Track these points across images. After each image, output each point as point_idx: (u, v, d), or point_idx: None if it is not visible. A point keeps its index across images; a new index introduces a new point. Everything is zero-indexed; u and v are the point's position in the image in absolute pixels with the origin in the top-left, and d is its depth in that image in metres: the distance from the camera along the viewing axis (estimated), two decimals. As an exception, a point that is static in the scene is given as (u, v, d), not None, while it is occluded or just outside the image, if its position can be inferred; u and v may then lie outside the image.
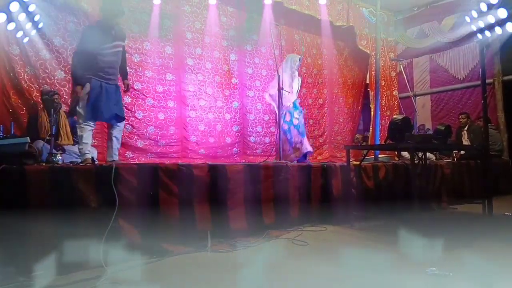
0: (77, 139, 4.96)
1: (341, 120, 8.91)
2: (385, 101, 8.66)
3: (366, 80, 9.00)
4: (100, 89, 3.82)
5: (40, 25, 5.06)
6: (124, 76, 4.26)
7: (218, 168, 3.73)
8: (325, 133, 8.58)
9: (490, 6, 5.20)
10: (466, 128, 7.64)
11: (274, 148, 5.67)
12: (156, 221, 3.22)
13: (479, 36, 5.47)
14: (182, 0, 6.71)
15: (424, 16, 8.13)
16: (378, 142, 6.68)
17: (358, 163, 4.89)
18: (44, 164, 3.38)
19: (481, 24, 5.35)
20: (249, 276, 2.58)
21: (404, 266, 2.75)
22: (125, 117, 5.32)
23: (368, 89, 8.57)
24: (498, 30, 5.24)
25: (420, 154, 5.02)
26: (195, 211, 3.46)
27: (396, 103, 8.95)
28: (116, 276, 2.59)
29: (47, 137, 4.09)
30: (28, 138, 3.22)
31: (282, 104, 5.15)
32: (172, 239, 3.21)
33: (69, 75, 5.48)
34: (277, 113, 5.28)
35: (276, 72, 5.26)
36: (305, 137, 5.58)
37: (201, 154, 6.68)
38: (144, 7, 6.19)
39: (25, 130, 4.84)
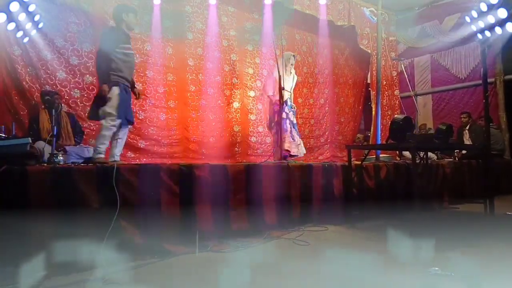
0: (78, 140, 5.00)
1: (342, 120, 8.90)
2: (386, 100, 8.65)
3: (367, 79, 9.00)
4: (125, 91, 3.92)
5: (40, 25, 5.06)
6: (132, 85, 4.24)
7: (219, 169, 3.73)
8: (326, 133, 8.58)
9: (490, 6, 5.19)
10: (467, 128, 7.64)
11: (273, 149, 5.65)
12: (157, 222, 3.22)
13: (480, 36, 5.46)
14: (183, 0, 6.71)
15: (425, 15, 8.12)
16: (379, 142, 6.67)
17: (360, 162, 4.89)
18: (45, 164, 3.39)
19: (481, 24, 5.35)
20: (250, 277, 2.58)
21: (406, 266, 2.75)
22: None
23: (369, 88, 8.57)
24: (498, 30, 5.23)
25: (421, 154, 5.01)
26: (196, 212, 3.46)
27: (397, 102, 8.94)
28: (117, 276, 2.59)
29: (48, 138, 4.09)
30: (29, 138, 3.23)
31: (284, 104, 5.17)
32: (174, 240, 3.21)
33: (70, 75, 5.52)
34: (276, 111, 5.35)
35: (272, 71, 5.34)
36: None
37: (203, 154, 6.68)
38: (145, 8, 6.20)
39: (26, 131, 4.85)
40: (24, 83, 5.14)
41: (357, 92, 9.16)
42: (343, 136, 8.84)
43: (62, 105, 5.03)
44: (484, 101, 5.39)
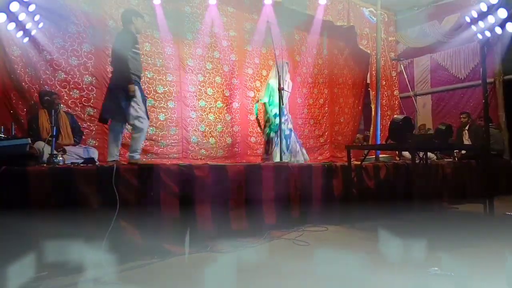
0: (77, 140, 4.99)
1: (341, 120, 8.90)
2: (385, 100, 8.64)
3: (366, 79, 8.99)
4: (140, 90, 4.10)
5: (40, 25, 5.07)
6: None
7: (219, 169, 3.73)
8: (326, 133, 8.58)
9: (490, 6, 5.20)
10: (467, 128, 7.64)
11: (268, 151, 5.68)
12: (157, 222, 3.22)
13: (479, 36, 5.47)
14: (183, 0, 6.71)
15: (424, 15, 8.13)
16: (379, 142, 6.68)
17: (359, 163, 4.89)
18: (45, 165, 3.38)
19: (481, 24, 5.35)
20: (250, 277, 2.58)
21: (405, 266, 2.76)
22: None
23: (369, 88, 8.56)
24: (498, 30, 5.23)
25: (421, 154, 5.01)
26: (196, 212, 3.46)
27: (396, 102, 8.93)
28: (118, 277, 2.59)
29: (48, 138, 4.09)
30: (29, 139, 3.22)
31: (283, 104, 5.17)
32: (173, 240, 3.21)
33: (69, 76, 5.52)
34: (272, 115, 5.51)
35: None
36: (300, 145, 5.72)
37: (202, 155, 6.68)
38: (144, 8, 6.19)
39: (25, 131, 4.85)
40: (23, 83, 5.14)
41: (356, 92, 9.16)
42: (343, 136, 8.85)
43: (61, 105, 5.02)
44: (483, 101, 5.39)
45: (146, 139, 6.14)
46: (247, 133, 7.34)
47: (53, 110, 4.17)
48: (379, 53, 6.92)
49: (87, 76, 5.64)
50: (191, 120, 6.68)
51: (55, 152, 3.66)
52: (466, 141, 7.49)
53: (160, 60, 6.40)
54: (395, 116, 6.03)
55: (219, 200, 3.64)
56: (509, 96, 7.94)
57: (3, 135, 3.72)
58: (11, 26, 4.73)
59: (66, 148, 4.57)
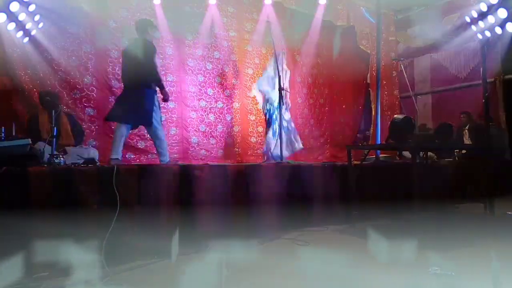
0: (78, 140, 4.99)
1: (342, 120, 8.88)
2: (386, 100, 8.64)
3: (367, 79, 8.97)
4: None
5: (40, 25, 5.07)
6: None
7: (219, 169, 3.74)
8: (326, 133, 8.57)
9: (490, 6, 5.21)
10: (467, 128, 7.63)
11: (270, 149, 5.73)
12: (157, 222, 3.22)
13: (479, 36, 5.47)
14: (183, 1, 6.71)
15: (424, 15, 8.12)
16: (379, 142, 6.67)
17: (359, 163, 4.89)
18: (45, 165, 3.38)
19: (481, 24, 5.36)
20: (250, 277, 2.59)
21: (406, 265, 2.76)
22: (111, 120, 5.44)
23: (369, 88, 8.56)
24: (498, 30, 5.24)
25: (421, 154, 5.01)
26: (196, 212, 3.46)
27: (397, 102, 8.93)
28: (118, 277, 2.59)
29: (49, 138, 4.09)
30: (29, 139, 3.23)
31: (283, 104, 5.18)
32: (173, 240, 3.21)
33: (69, 76, 5.53)
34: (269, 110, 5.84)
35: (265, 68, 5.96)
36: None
37: (202, 155, 6.68)
38: (144, 8, 6.20)
39: (26, 132, 4.85)
40: (23, 84, 5.14)
41: (356, 92, 9.13)
42: (343, 136, 8.82)
43: (62, 105, 5.02)
44: (483, 100, 5.39)
45: (147, 139, 6.16)
46: (247, 133, 7.34)
47: (53, 111, 4.17)
48: (379, 53, 6.91)
49: (87, 76, 5.65)
50: (191, 120, 6.68)
51: (55, 152, 3.66)
52: (467, 140, 7.48)
53: (161, 61, 6.39)
54: (395, 116, 6.03)
55: (219, 200, 3.64)
56: (509, 95, 7.92)
57: (3, 136, 3.73)
58: (11, 26, 4.74)
59: (67, 148, 4.57)
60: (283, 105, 5.18)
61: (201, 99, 6.80)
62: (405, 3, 8.11)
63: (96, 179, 3.00)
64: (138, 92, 4.29)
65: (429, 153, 5.95)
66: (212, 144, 6.87)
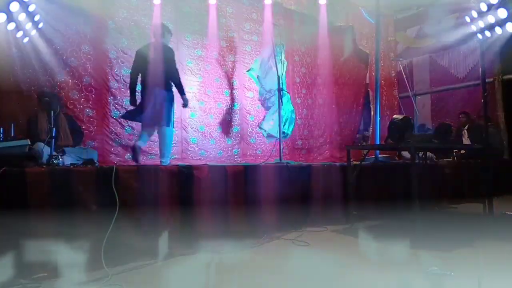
0: (76, 141, 4.99)
1: (341, 120, 8.87)
2: (385, 101, 8.65)
3: (366, 80, 8.98)
4: None
5: (40, 25, 5.06)
6: None
7: (219, 169, 3.73)
8: (325, 133, 8.56)
9: (490, 6, 5.21)
10: (466, 128, 7.64)
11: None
12: (156, 223, 3.22)
13: (479, 36, 5.48)
14: (182, 2, 6.71)
15: (424, 15, 8.13)
16: (378, 142, 6.68)
17: (359, 163, 4.89)
18: (44, 166, 3.38)
19: (481, 24, 5.37)
20: (250, 277, 2.59)
21: (405, 265, 2.76)
22: (125, 118, 5.51)
23: (368, 89, 8.57)
24: (498, 30, 5.25)
25: (420, 154, 5.01)
26: (196, 213, 3.46)
27: (396, 103, 8.95)
28: (118, 278, 2.59)
29: (47, 139, 4.09)
30: (28, 140, 3.22)
31: (282, 104, 5.20)
32: (173, 241, 3.21)
33: (69, 77, 5.52)
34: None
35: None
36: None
37: (202, 156, 6.68)
38: (144, 9, 6.20)
39: (25, 133, 4.83)
40: (22, 84, 5.13)
41: (356, 93, 9.13)
42: (342, 137, 8.82)
43: (61, 106, 5.01)
44: (482, 101, 5.39)
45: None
46: (246, 133, 7.34)
47: (52, 111, 4.16)
48: (379, 53, 6.92)
49: (86, 77, 5.64)
50: (190, 121, 6.68)
51: (54, 153, 3.66)
52: (466, 140, 7.49)
53: (160, 61, 6.39)
54: (394, 116, 6.04)
55: (219, 200, 3.64)
56: (508, 95, 7.93)
57: (2, 137, 3.73)
58: (11, 26, 4.73)
59: (66, 149, 4.56)
60: (282, 105, 5.20)
61: (200, 99, 6.79)
62: (404, 3, 8.12)
63: (95, 180, 2.99)
64: (158, 93, 4.47)
65: (428, 153, 5.96)
66: (211, 145, 6.87)
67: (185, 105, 4.81)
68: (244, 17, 7.42)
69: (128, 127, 5.94)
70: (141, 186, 3.19)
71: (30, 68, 5.19)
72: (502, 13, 5.15)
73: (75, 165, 3.44)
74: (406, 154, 6.53)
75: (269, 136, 6.66)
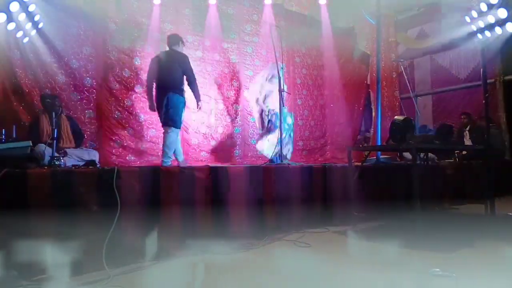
0: (78, 142, 4.99)
1: (342, 121, 8.88)
2: (386, 102, 8.63)
3: (367, 81, 8.99)
4: None
5: (40, 25, 5.07)
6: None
7: (219, 171, 3.73)
8: (326, 134, 8.57)
9: (490, 6, 5.21)
10: (467, 128, 7.63)
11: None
12: (158, 224, 3.22)
13: (480, 36, 5.47)
14: (182, 3, 6.72)
15: (424, 16, 8.13)
16: (379, 143, 6.67)
17: (360, 164, 4.88)
18: (46, 167, 3.38)
19: (481, 24, 5.37)
20: (251, 279, 2.58)
21: (406, 267, 2.75)
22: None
23: (369, 90, 8.56)
24: (498, 30, 5.24)
25: (422, 155, 5.01)
26: (197, 214, 3.46)
27: (397, 103, 8.93)
28: (119, 279, 2.59)
29: (49, 141, 4.10)
30: (30, 142, 3.23)
31: (283, 105, 5.20)
32: (174, 242, 3.21)
33: (70, 78, 5.53)
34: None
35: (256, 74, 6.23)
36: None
37: (203, 157, 6.68)
38: (144, 10, 6.21)
39: (26, 134, 4.84)
40: (24, 86, 5.15)
41: (357, 94, 9.13)
42: (343, 138, 8.81)
43: (62, 108, 5.03)
44: (484, 101, 5.39)
45: (147, 141, 6.17)
46: (247, 135, 7.34)
47: (54, 113, 4.18)
48: (380, 54, 6.90)
49: (87, 78, 5.65)
50: (192, 122, 6.68)
51: (56, 154, 3.67)
52: (467, 141, 7.48)
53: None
54: (395, 117, 6.04)
55: (220, 202, 3.63)
56: (510, 96, 7.92)
57: (4, 138, 3.74)
58: (11, 26, 4.74)
59: (67, 150, 4.57)
60: (283, 106, 5.20)
61: (201, 100, 6.78)
62: (404, 4, 8.11)
63: (97, 181, 2.99)
64: (171, 97, 4.74)
65: (430, 154, 5.95)
66: (212, 146, 6.87)
67: (199, 107, 5.25)
68: (245, 18, 7.43)
69: (129, 128, 5.95)
70: (142, 187, 3.19)
71: (31, 70, 5.20)
72: (502, 13, 5.15)
73: (77, 167, 3.44)
74: (407, 155, 6.52)
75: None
